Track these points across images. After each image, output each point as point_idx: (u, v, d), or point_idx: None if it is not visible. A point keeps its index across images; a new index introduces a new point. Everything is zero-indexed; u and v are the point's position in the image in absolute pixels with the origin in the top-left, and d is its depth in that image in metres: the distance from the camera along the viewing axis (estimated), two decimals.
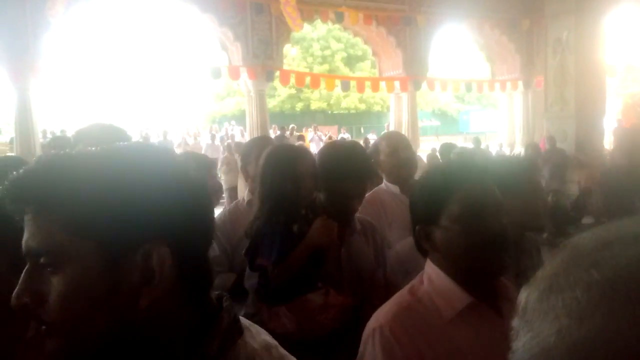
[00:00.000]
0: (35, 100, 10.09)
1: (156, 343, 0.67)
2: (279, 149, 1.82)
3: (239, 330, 0.73)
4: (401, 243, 2.19)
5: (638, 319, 0.34)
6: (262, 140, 2.66)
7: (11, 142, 12.25)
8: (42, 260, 0.63)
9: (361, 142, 13.23)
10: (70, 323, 0.62)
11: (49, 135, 13.52)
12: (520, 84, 15.68)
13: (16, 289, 0.63)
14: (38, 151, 9.59)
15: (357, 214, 2.15)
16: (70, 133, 14.21)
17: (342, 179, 1.78)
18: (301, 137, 15.67)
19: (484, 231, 1.13)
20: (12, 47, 9.45)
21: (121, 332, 0.64)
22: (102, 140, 1.89)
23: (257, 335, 0.76)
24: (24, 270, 0.64)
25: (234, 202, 2.48)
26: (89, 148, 0.69)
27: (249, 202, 2.34)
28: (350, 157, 1.82)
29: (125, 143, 0.72)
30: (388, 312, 1.19)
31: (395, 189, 2.38)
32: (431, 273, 1.23)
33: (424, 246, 1.23)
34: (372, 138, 16.05)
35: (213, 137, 15.55)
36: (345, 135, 18.26)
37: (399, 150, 2.37)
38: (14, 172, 0.64)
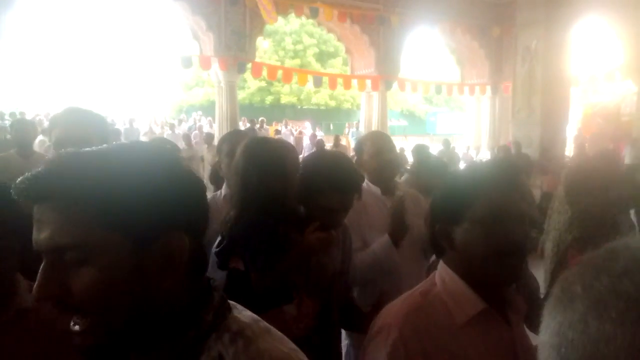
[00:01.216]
0: None
1: (166, 317, 0.72)
2: (264, 145, 1.68)
3: (228, 307, 0.80)
4: (377, 242, 2.19)
5: None
6: (235, 134, 2.59)
7: None
8: (69, 254, 0.64)
9: (331, 140, 13.24)
10: (102, 308, 0.66)
11: (7, 118, 12.96)
12: (488, 88, 16.03)
13: (39, 282, 0.65)
14: None
15: None
16: (29, 116, 13.69)
17: (327, 190, 1.65)
18: (277, 132, 15.57)
19: (506, 237, 1.12)
20: None
21: (146, 310, 0.70)
22: (78, 124, 1.83)
23: (244, 311, 0.84)
24: (44, 265, 0.65)
25: (212, 196, 2.42)
26: (95, 147, 0.71)
27: (226, 196, 2.28)
28: (337, 168, 1.68)
29: (137, 141, 0.77)
30: (398, 312, 1.17)
31: (376, 190, 2.36)
32: (445, 275, 1.21)
33: (443, 244, 1.20)
34: (350, 138, 16.09)
35: (172, 127, 15.30)
36: (319, 133, 18.21)
37: (383, 151, 2.35)
38: (26, 174, 0.64)
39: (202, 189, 0.78)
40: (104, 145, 0.73)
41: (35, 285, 0.65)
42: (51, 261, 0.65)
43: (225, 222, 1.61)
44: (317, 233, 1.55)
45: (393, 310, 1.18)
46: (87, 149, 0.70)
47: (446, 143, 12.11)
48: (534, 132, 10.22)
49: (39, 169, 0.64)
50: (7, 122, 11.49)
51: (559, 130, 10.41)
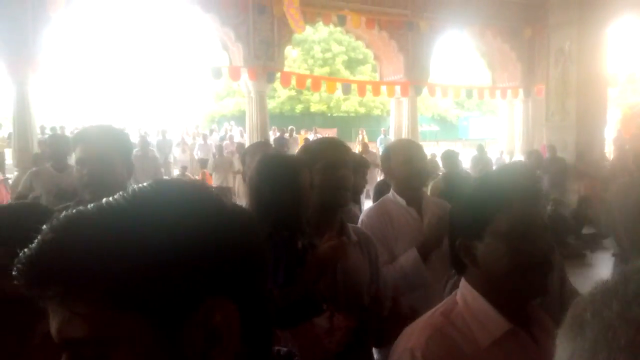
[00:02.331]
0: (33, 95, 10.01)
1: None
2: (276, 159, 1.71)
3: None
4: (404, 256, 2.14)
5: None
6: (261, 146, 2.60)
7: (9, 137, 12.15)
8: (84, 350, 0.51)
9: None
10: None
11: (47, 132, 13.44)
12: (520, 92, 15.69)
13: None
14: (35, 147, 9.52)
15: (355, 225, 2.09)
16: (68, 130, 14.15)
17: (324, 150, 1.79)
18: (307, 140, 15.60)
19: (531, 251, 1.07)
20: (12, 41, 9.38)
21: None
22: (101, 142, 1.85)
23: None
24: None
25: None
26: (105, 200, 0.56)
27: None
28: (328, 137, 1.81)
29: (148, 185, 0.58)
30: (420, 334, 1.12)
31: (402, 201, 2.32)
32: (467, 294, 1.16)
33: (464, 261, 1.15)
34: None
35: (205, 137, 15.53)
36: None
37: (413, 160, 2.30)
38: (26, 250, 0.51)
39: (254, 236, 0.60)
40: (118, 195, 0.56)
41: None
42: (69, 356, 0.53)
43: None
44: (330, 241, 1.54)
45: (415, 333, 1.14)
46: (92, 206, 0.55)
47: (480, 148, 11.87)
48: (569, 135, 9.94)
49: (33, 247, 0.51)
50: (47, 136, 11.92)
51: (595, 133, 10.08)
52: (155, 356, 0.52)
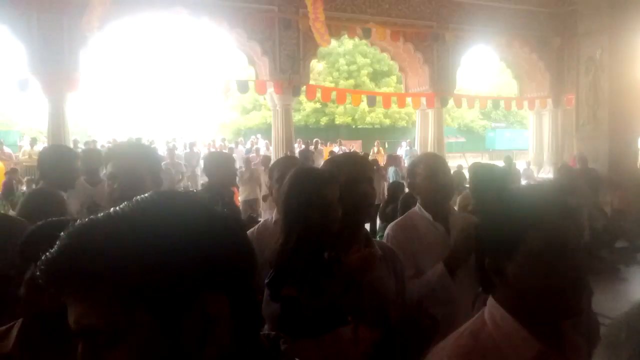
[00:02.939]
0: (68, 112, 10.35)
1: None
2: (305, 173, 1.73)
3: None
4: (432, 271, 2.13)
5: None
6: (286, 161, 2.63)
7: None
8: (97, 338, 0.60)
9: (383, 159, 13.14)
10: None
11: (80, 146, 13.83)
12: (549, 102, 15.44)
13: None
14: None
15: (380, 240, 2.09)
16: (99, 144, 14.53)
17: (345, 166, 1.86)
18: (332, 153, 15.67)
19: (566, 270, 1.03)
20: (48, 60, 9.75)
21: None
22: (131, 158, 1.92)
23: None
24: (81, 348, 0.62)
25: (262, 222, 2.46)
26: (113, 208, 0.64)
27: (276, 221, 2.31)
28: (349, 152, 1.84)
29: (148, 196, 0.66)
30: (450, 356, 1.09)
31: (428, 216, 2.30)
32: (495, 314, 1.11)
33: (494, 281, 1.12)
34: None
35: (231, 150, 15.70)
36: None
37: (437, 174, 2.29)
38: (47, 252, 0.60)
39: (240, 234, 0.70)
40: (124, 205, 0.65)
41: None
42: (85, 345, 0.61)
43: (273, 250, 1.64)
44: (359, 253, 1.56)
45: (444, 355, 1.11)
46: (102, 215, 0.63)
47: (508, 160, 11.68)
48: (601, 145, 9.69)
49: (52, 252, 0.60)
50: (80, 150, 12.28)
51: (629, 143, 9.81)
52: (159, 343, 0.60)
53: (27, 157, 14.39)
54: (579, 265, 1.05)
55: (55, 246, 0.60)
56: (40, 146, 14.38)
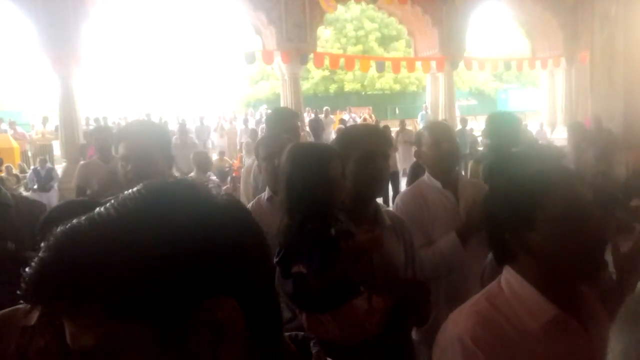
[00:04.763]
0: (77, 88, 10.37)
1: None
2: (307, 150, 1.70)
3: None
4: (443, 240, 2.15)
5: None
6: (272, 138, 2.61)
7: (56, 129, 12.67)
8: (96, 357, 0.54)
9: (397, 124, 13.03)
10: None
11: (92, 123, 13.91)
12: (562, 60, 15.08)
13: None
14: (81, 139, 9.89)
15: (389, 209, 2.10)
16: (110, 120, 14.58)
17: (362, 140, 1.79)
18: (343, 121, 15.60)
19: (586, 230, 1.05)
20: (55, 37, 9.71)
21: None
22: (143, 139, 1.94)
23: None
24: None
25: (256, 199, 2.47)
26: (97, 211, 0.57)
27: (269, 198, 2.32)
28: (367, 124, 1.81)
29: (137, 192, 0.58)
30: (467, 321, 1.11)
31: (437, 184, 2.31)
32: (512, 281, 1.14)
33: (515, 253, 1.13)
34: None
35: (246, 122, 15.60)
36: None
37: (440, 142, 2.29)
38: (27, 269, 0.53)
39: (250, 227, 0.62)
40: (109, 205, 0.57)
41: None
42: None
43: (279, 230, 1.63)
44: (368, 233, 1.56)
45: (461, 320, 1.13)
46: (85, 219, 0.56)
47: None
48: (616, 105, 9.49)
49: (34, 264, 0.53)
50: (92, 127, 12.37)
51: None
52: (163, 355, 0.54)
53: (40, 136, 14.51)
54: (597, 226, 1.06)
55: (36, 260, 0.53)
56: (52, 125, 14.51)
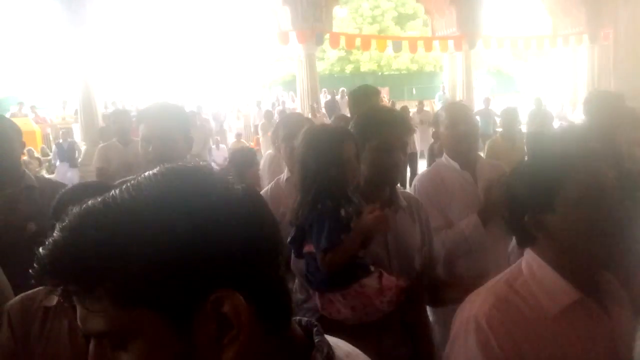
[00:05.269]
0: (96, 71, 10.46)
1: None
2: (321, 132, 1.70)
3: None
4: (465, 221, 2.15)
5: None
6: (291, 118, 2.63)
7: (76, 113, 12.84)
8: (105, 341, 0.55)
9: (414, 105, 12.91)
10: None
11: (110, 107, 14.05)
12: (585, 38, 14.68)
13: None
14: (101, 122, 10.00)
15: (404, 190, 2.09)
16: (128, 105, 14.72)
17: (381, 128, 1.75)
18: None
19: (606, 213, 1.03)
20: (71, 21, 9.76)
21: None
22: (163, 120, 1.95)
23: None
24: (93, 348, 0.57)
25: (275, 180, 2.49)
26: (111, 194, 0.57)
27: (288, 179, 2.33)
28: (388, 109, 1.87)
29: (153, 176, 0.58)
30: (484, 302, 1.11)
31: (455, 165, 2.30)
32: (533, 264, 1.12)
33: (535, 235, 1.12)
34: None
35: (258, 104, 15.56)
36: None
37: (458, 123, 2.27)
38: (43, 248, 0.54)
39: (260, 223, 0.60)
40: (124, 189, 0.57)
41: None
42: (95, 345, 0.57)
43: (293, 210, 1.65)
44: (374, 213, 1.55)
45: (478, 301, 1.13)
46: (99, 202, 0.56)
47: (537, 102, 11.28)
48: None
49: (47, 246, 0.54)
50: (110, 110, 12.50)
51: None
52: (170, 345, 0.54)
53: (60, 120, 14.73)
54: (616, 206, 1.05)
55: (50, 241, 0.54)
56: (71, 109, 14.69)
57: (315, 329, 0.68)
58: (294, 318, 0.68)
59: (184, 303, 0.54)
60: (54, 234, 0.54)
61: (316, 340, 0.66)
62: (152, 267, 0.52)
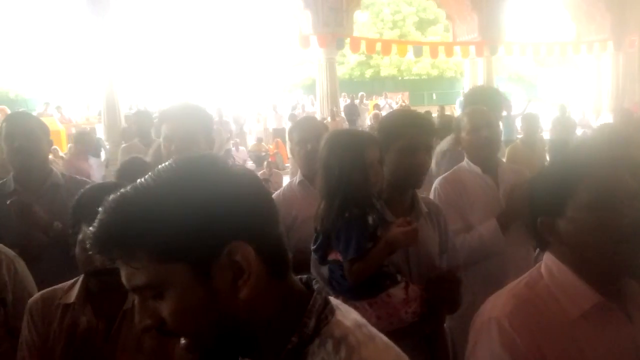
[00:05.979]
0: (118, 74, 10.65)
1: (261, 325, 0.75)
2: (344, 136, 1.68)
3: (331, 310, 0.78)
4: (484, 226, 2.14)
5: None
6: (306, 122, 2.62)
7: (99, 114, 13.09)
8: (145, 292, 0.72)
9: (435, 110, 12.82)
10: (190, 332, 0.73)
11: (134, 108, 14.27)
12: (610, 44, 14.44)
13: (137, 317, 0.74)
14: (123, 122, 10.17)
15: (425, 196, 2.09)
16: (150, 108, 14.95)
17: (407, 129, 1.75)
18: (377, 107, 15.49)
19: (618, 221, 1.01)
20: (97, 26, 9.95)
21: (232, 324, 0.73)
22: (185, 120, 1.98)
23: (348, 313, 0.81)
24: (137, 302, 0.74)
25: (288, 183, 2.50)
26: (138, 181, 0.73)
27: (301, 182, 2.34)
28: (413, 112, 1.87)
29: (169, 164, 0.74)
30: (505, 304, 1.10)
31: (476, 169, 2.28)
32: (552, 267, 1.12)
33: (548, 239, 1.12)
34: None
35: (275, 107, 15.61)
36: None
37: (480, 128, 2.25)
38: (91, 228, 0.71)
39: (260, 190, 0.78)
40: (147, 176, 0.73)
41: (135, 320, 0.75)
42: (139, 298, 0.73)
43: (317, 216, 1.63)
44: (403, 227, 1.54)
45: (499, 303, 1.13)
46: (130, 188, 0.72)
47: (562, 109, 11.08)
48: None
49: (95, 225, 0.70)
50: (133, 111, 12.71)
51: None
52: (196, 290, 0.70)
53: (84, 120, 15.01)
54: (629, 214, 1.02)
55: (97, 220, 0.70)
56: (94, 110, 14.98)
57: (314, 280, 0.82)
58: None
59: (205, 255, 0.70)
60: (99, 216, 0.70)
61: (315, 287, 0.80)
62: (179, 230, 0.68)
